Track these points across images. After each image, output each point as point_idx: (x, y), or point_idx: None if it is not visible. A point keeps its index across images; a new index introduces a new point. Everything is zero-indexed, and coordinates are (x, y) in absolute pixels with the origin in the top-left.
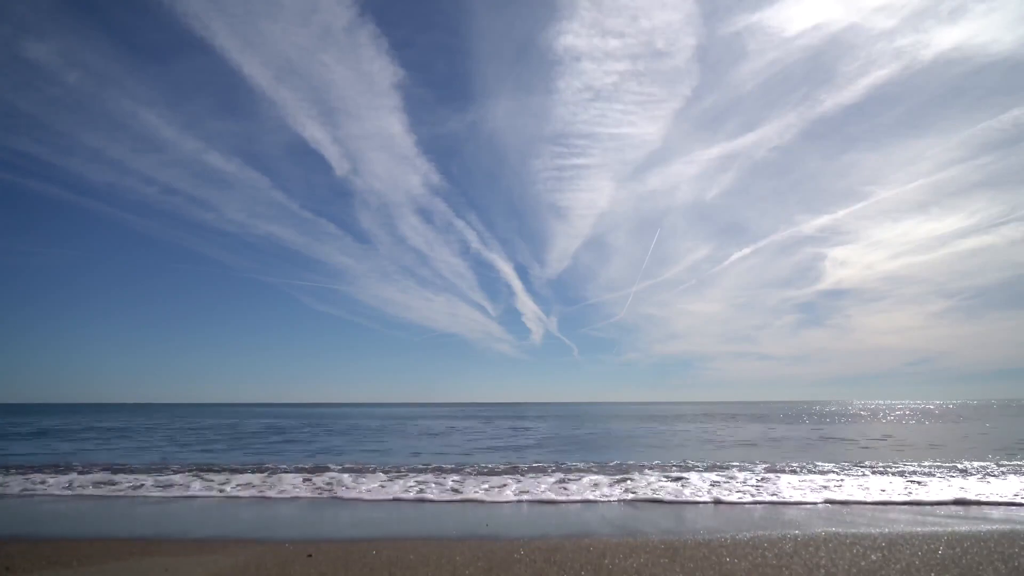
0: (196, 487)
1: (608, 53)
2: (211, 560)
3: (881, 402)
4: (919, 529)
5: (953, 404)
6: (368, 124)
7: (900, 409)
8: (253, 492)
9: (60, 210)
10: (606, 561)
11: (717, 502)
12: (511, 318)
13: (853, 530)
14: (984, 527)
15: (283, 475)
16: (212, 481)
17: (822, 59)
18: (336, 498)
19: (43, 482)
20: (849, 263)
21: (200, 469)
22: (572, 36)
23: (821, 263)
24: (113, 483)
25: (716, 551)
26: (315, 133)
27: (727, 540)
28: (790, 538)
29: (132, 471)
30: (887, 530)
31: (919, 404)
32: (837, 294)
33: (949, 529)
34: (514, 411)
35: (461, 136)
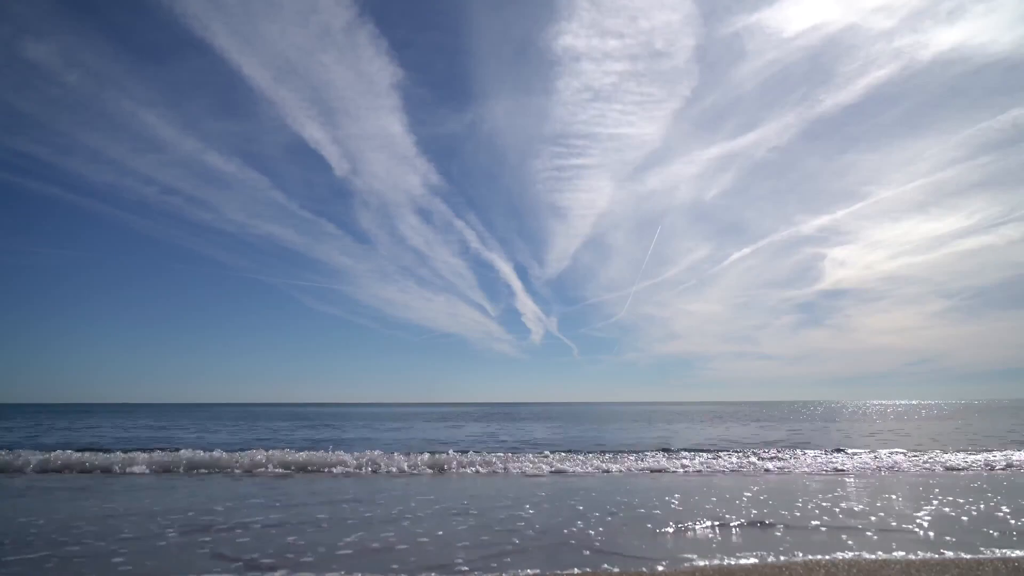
0: None
1: (607, 53)
2: None
3: (884, 402)
4: None
5: (946, 403)
6: (368, 124)
7: (893, 408)
8: None
9: (60, 210)
10: None
11: None
12: (511, 318)
13: None
14: None
15: None
16: None
17: (821, 59)
18: None
19: None
20: (849, 263)
21: None
22: (571, 36)
23: (821, 263)
24: None
25: None
26: (315, 133)
27: None
28: None
29: None
30: None
31: (920, 403)
32: (837, 294)
33: None
34: (529, 411)
35: (460, 136)
